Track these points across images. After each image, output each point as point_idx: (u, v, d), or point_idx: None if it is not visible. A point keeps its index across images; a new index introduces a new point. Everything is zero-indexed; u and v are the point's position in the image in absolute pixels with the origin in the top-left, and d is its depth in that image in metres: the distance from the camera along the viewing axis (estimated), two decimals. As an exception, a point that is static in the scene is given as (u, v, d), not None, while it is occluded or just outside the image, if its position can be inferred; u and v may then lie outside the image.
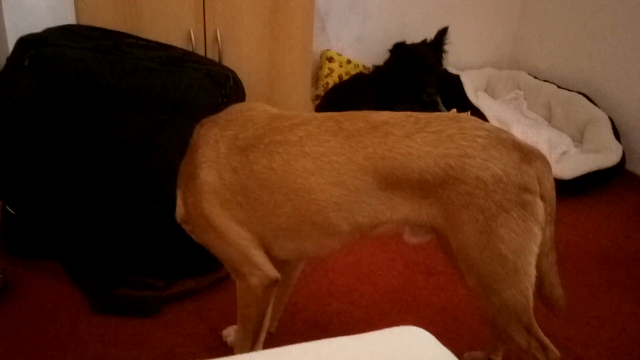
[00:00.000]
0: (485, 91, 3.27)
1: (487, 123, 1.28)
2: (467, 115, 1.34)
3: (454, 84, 3.03)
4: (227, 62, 2.23)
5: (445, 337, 1.01)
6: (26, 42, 1.86)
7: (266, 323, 1.45)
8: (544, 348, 1.32)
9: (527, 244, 1.22)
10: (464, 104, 2.89)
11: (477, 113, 2.79)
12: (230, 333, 1.66)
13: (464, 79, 3.03)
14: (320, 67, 2.93)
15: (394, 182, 1.22)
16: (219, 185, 1.29)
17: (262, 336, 1.45)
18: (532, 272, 1.25)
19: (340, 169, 1.22)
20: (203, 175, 1.30)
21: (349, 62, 2.95)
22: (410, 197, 1.23)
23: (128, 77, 1.86)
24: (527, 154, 1.22)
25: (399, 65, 2.75)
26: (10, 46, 1.90)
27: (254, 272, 1.35)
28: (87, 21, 2.07)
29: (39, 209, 1.83)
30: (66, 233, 1.86)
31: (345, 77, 2.89)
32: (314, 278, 1.99)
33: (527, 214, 1.20)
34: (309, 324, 1.78)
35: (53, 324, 1.68)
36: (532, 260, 1.24)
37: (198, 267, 1.92)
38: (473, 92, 3.00)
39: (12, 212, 1.91)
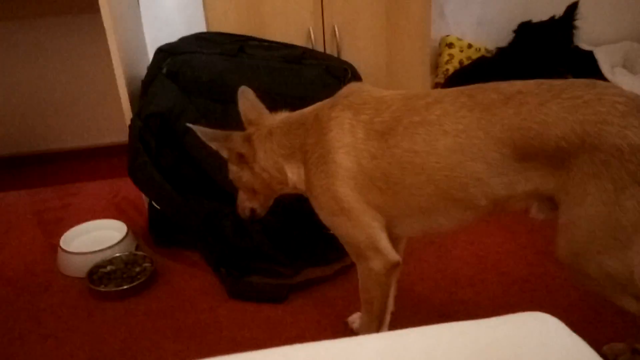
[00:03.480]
0: (623, 67, 3.00)
1: (627, 90, 1.19)
2: (605, 82, 1.25)
3: (588, 61, 2.81)
4: (345, 56, 2.27)
5: (581, 329, 0.95)
6: (163, 52, 2.04)
7: (389, 306, 1.47)
8: None
9: None
10: (599, 82, 2.68)
11: (615, 91, 2.57)
12: (356, 319, 1.70)
13: (599, 55, 2.81)
14: (439, 54, 2.87)
15: (531, 152, 1.19)
16: (357, 171, 1.31)
17: (387, 319, 1.47)
18: None
19: (480, 144, 1.21)
20: (339, 160, 1.31)
21: (470, 46, 2.85)
22: (543, 167, 1.19)
23: (253, 77, 1.97)
24: None
25: (525, 46, 2.62)
26: (150, 55, 2.09)
27: (378, 256, 1.37)
28: (215, 28, 2.23)
29: (177, 203, 2.00)
30: (204, 226, 2.01)
31: (466, 62, 2.81)
32: (439, 267, 1.97)
33: None
34: (434, 313, 1.76)
35: (195, 309, 1.83)
36: None
37: (323, 257, 1.99)
38: (609, 68, 2.77)
39: (157, 207, 2.10)
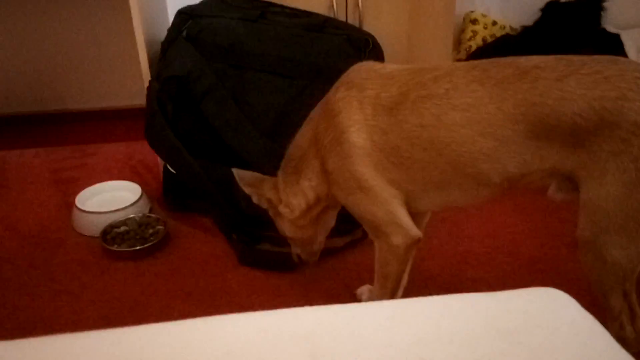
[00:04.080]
0: (651, 52, 2.93)
1: None
2: (628, 59, 1.21)
3: (614, 44, 2.75)
4: (367, 27, 2.24)
5: (595, 311, 0.94)
6: (184, 14, 2.03)
7: (404, 281, 1.47)
8: (633, 316, 1.22)
9: None
10: (624, 66, 2.62)
11: (640, 76, 2.52)
12: (364, 291, 1.70)
13: (625, 39, 2.74)
14: (462, 30, 2.82)
15: (545, 130, 1.15)
16: (371, 148, 1.29)
17: (400, 293, 1.47)
18: None
19: (490, 119, 1.18)
20: (353, 138, 1.30)
21: (494, 23, 2.80)
22: (560, 145, 1.16)
23: (272, 44, 1.95)
24: None
25: (551, 26, 2.57)
26: (171, 18, 2.08)
27: (399, 231, 1.36)
28: (237, -8, 2.20)
29: (192, 168, 2.01)
30: (217, 192, 2.02)
31: (489, 40, 2.75)
32: (450, 244, 1.96)
33: None
34: (443, 289, 1.77)
35: (205, 273, 1.85)
36: None
37: (334, 229, 1.99)
38: (635, 52, 2.70)
39: (173, 171, 2.11)
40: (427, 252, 1.91)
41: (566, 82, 1.13)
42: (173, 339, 0.79)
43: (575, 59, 1.17)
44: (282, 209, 1.53)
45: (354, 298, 1.72)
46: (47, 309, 1.70)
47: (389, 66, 1.36)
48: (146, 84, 2.04)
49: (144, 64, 2.09)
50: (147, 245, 1.93)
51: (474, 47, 2.73)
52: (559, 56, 1.19)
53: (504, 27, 2.81)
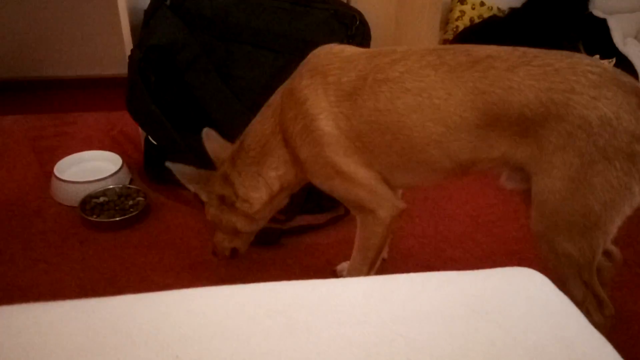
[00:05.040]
0: (636, 38, 2.94)
1: (606, 63, 1.16)
2: (583, 54, 1.21)
3: (600, 29, 2.76)
4: (355, 3, 2.21)
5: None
6: (168, -18, 1.98)
7: (385, 253, 1.48)
8: (599, 303, 1.24)
9: (621, 201, 1.10)
10: (609, 51, 2.63)
11: (625, 62, 2.53)
12: (344, 268, 1.71)
13: (612, 24, 2.74)
14: (450, 10, 2.80)
15: (493, 119, 1.15)
16: (338, 135, 1.29)
17: (377, 264, 1.49)
18: (613, 230, 1.14)
19: (440, 105, 1.18)
20: (322, 126, 1.29)
21: (482, 4, 2.79)
22: (509, 135, 1.16)
23: (259, 16, 1.92)
24: None
25: (538, 9, 2.56)
26: (155, -14, 2.03)
27: (384, 204, 1.36)
28: (223, -38, 2.15)
29: (174, 140, 1.98)
30: (199, 164, 2.00)
31: (477, 21, 2.74)
32: (430, 223, 1.98)
33: (633, 169, 1.07)
34: (422, 268, 1.78)
35: (185, 245, 1.85)
36: (619, 221, 1.13)
37: (317, 205, 1.99)
38: (621, 38, 2.71)
39: (154, 142, 2.09)
40: (407, 231, 1.92)
41: (516, 72, 1.13)
42: (151, 310, 0.79)
43: (531, 51, 1.16)
44: (240, 204, 1.46)
45: (334, 275, 1.73)
46: (24, 278, 1.69)
47: (348, 49, 1.34)
48: (128, 53, 2.00)
49: (126, 32, 2.04)
50: (127, 216, 1.91)
51: (461, 27, 2.72)
52: (515, 47, 1.18)
53: (492, 8, 2.80)
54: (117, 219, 1.90)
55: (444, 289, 0.82)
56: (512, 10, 2.70)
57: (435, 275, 0.84)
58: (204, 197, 1.50)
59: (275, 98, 1.42)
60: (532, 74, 1.12)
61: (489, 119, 1.16)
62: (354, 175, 1.33)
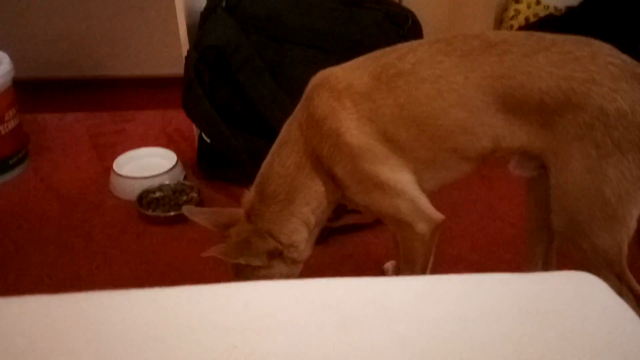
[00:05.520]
0: (703, 37, 2.82)
1: (623, 54, 1.12)
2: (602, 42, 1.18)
3: (663, 29, 2.66)
4: (407, 3, 2.21)
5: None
6: (224, -16, 2.03)
7: (430, 263, 1.46)
8: (636, 296, 1.20)
9: (636, 193, 1.09)
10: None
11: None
12: (389, 267, 1.71)
13: (676, 23, 2.64)
14: (505, 9, 2.75)
15: (513, 105, 1.13)
16: (366, 141, 1.24)
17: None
18: (632, 224, 1.13)
19: (459, 89, 1.15)
20: (348, 140, 1.23)
21: (538, 3, 2.72)
22: (529, 123, 1.14)
23: (311, 17, 1.95)
24: None
25: (596, 9, 2.49)
26: (211, -12, 2.08)
27: (423, 217, 1.30)
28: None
29: (227, 138, 2.03)
30: (251, 162, 2.04)
31: (532, 20, 2.69)
32: (480, 225, 1.95)
33: None
34: (472, 269, 1.75)
35: (236, 241, 1.89)
36: (635, 212, 1.11)
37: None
38: (686, 38, 2.60)
39: (207, 140, 2.14)
40: (456, 233, 1.91)
41: (535, 58, 1.10)
42: (210, 301, 0.82)
43: (548, 36, 1.14)
44: (287, 252, 1.35)
45: (382, 272, 1.74)
46: (84, 268, 1.76)
47: (346, 64, 1.30)
48: (185, 53, 2.06)
49: (182, 33, 2.10)
50: (181, 211, 1.96)
51: (515, 27, 2.67)
52: (530, 32, 1.17)
53: (548, 7, 2.74)
54: (172, 213, 1.96)
55: (498, 290, 0.82)
56: (569, 9, 2.63)
57: (490, 276, 0.84)
58: (257, 262, 1.34)
59: (288, 135, 1.33)
60: (552, 60, 1.10)
61: (511, 104, 1.14)
62: (393, 185, 1.27)
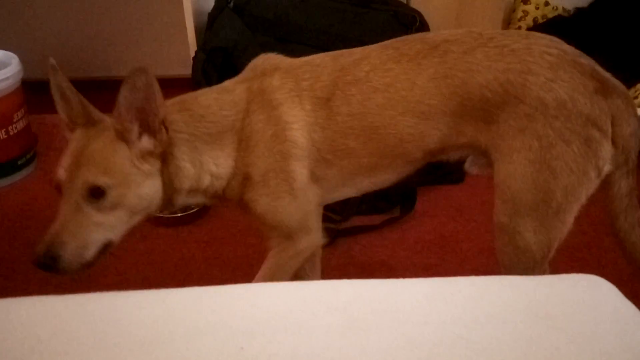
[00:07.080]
0: None
1: (566, 44, 1.11)
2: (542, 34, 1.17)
3: (673, 29, 2.63)
4: (415, 4, 2.20)
5: (638, 301, 0.93)
6: (232, -15, 2.03)
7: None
8: None
9: (579, 186, 1.08)
10: (683, 53, 2.51)
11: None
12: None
13: (686, 25, 2.62)
14: (513, 10, 2.74)
15: (458, 103, 1.13)
16: (310, 147, 1.19)
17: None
18: (570, 221, 1.12)
19: (407, 96, 1.15)
20: (293, 137, 1.18)
21: (547, 4, 2.71)
22: (475, 121, 1.13)
23: (318, 18, 1.95)
24: (607, 87, 1.06)
25: (606, 10, 2.47)
26: (219, -11, 2.08)
27: (309, 236, 1.27)
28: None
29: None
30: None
31: (541, 21, 2.68)
32: (488, 227, 1.92)
33: (590, 153, 1.05)
34: (479, 271, 1.74)
35: (243, 242, 1.89)
36: (576, 209, 1.11)
37: (373, 207, 1.99)
38: (696, 39, 2.58)
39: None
40: (464, 235, 1.90)
41: (473, 54, 1.10)
42: (217, 303, 0.82)
43: (486, 32, 1.14)
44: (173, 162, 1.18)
45: (389, 274, 1.73)
46: (93, 269, 1.77)
47: (303, 59, 1.26)
48: (192, 54, 2.07)
49: (190, 34, 2.11)
50: (189, 212, 1.97)
51: (524, 28, 2.66)
52: (470, 29, 1.16)
53: (557, 8, 2.72)
54: (179, 215, 1.96)
55: (506, 292, 0.81)
56: (578, 10, 2.61)
57: (498, 279, 0.84)
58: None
59: (234, 87, 1.24)
60: (489, 55, 1.10)
61: (455, 104, 1.13)
62: (304, 194, 1.22)
